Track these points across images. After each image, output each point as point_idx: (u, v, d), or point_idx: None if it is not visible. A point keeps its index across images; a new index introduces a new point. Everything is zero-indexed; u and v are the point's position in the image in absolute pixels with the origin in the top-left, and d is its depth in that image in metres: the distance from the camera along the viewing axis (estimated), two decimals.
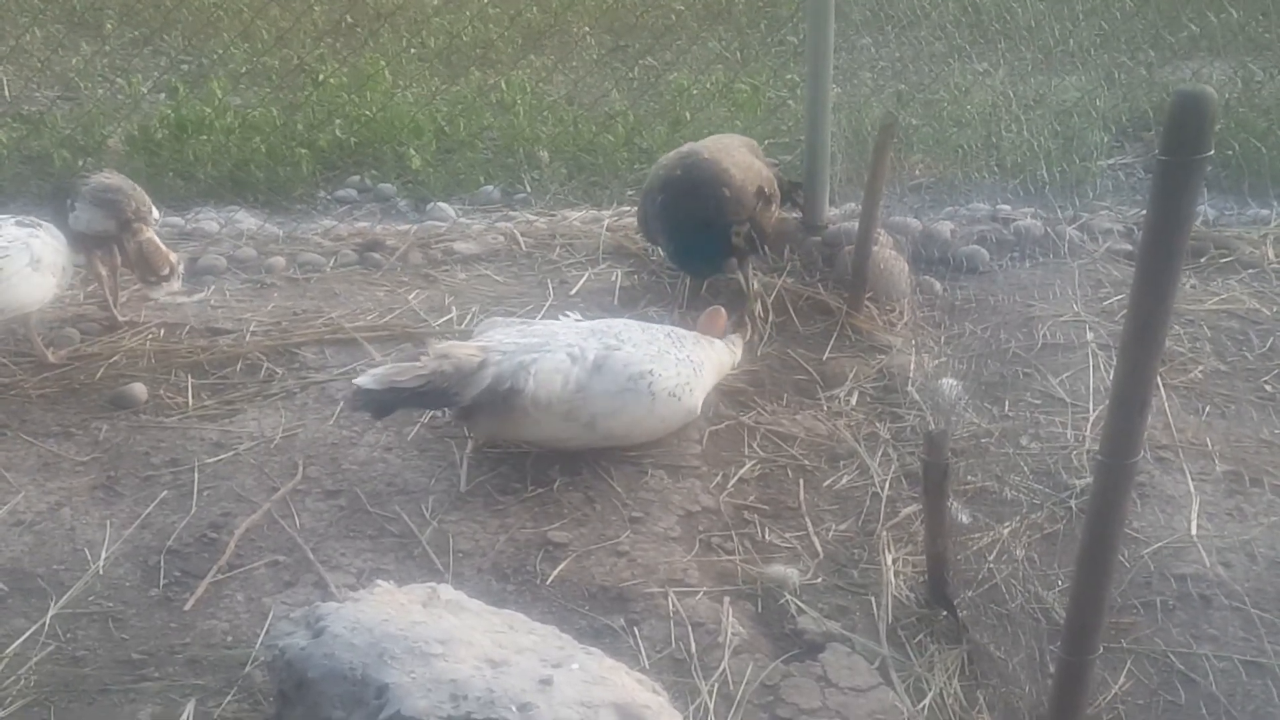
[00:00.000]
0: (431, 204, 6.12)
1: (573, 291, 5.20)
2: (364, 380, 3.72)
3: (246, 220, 5.85)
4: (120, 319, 4.91)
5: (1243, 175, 6.40)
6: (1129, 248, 5.72)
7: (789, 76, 7.44)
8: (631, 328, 4.15)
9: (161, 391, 4.49)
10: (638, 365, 3.97)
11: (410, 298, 5.16)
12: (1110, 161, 6.81)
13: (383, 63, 7.29)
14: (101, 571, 3.61)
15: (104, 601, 3.51)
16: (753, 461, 4.13)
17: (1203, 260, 5.55)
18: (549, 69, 7.72)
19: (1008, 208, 6.06)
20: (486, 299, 5.12)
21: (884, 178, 4.87)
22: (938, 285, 5.37)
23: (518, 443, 4.11)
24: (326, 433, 4.24)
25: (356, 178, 6.46)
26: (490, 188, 6.31)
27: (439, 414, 4.21)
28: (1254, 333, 4.96)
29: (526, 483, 3.98)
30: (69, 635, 3.38)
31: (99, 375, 4.58)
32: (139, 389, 4.45)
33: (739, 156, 4.82)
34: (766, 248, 4.94)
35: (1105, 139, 6.71)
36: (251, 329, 4.89)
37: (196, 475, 4.03)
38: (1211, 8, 8.31)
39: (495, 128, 6.80)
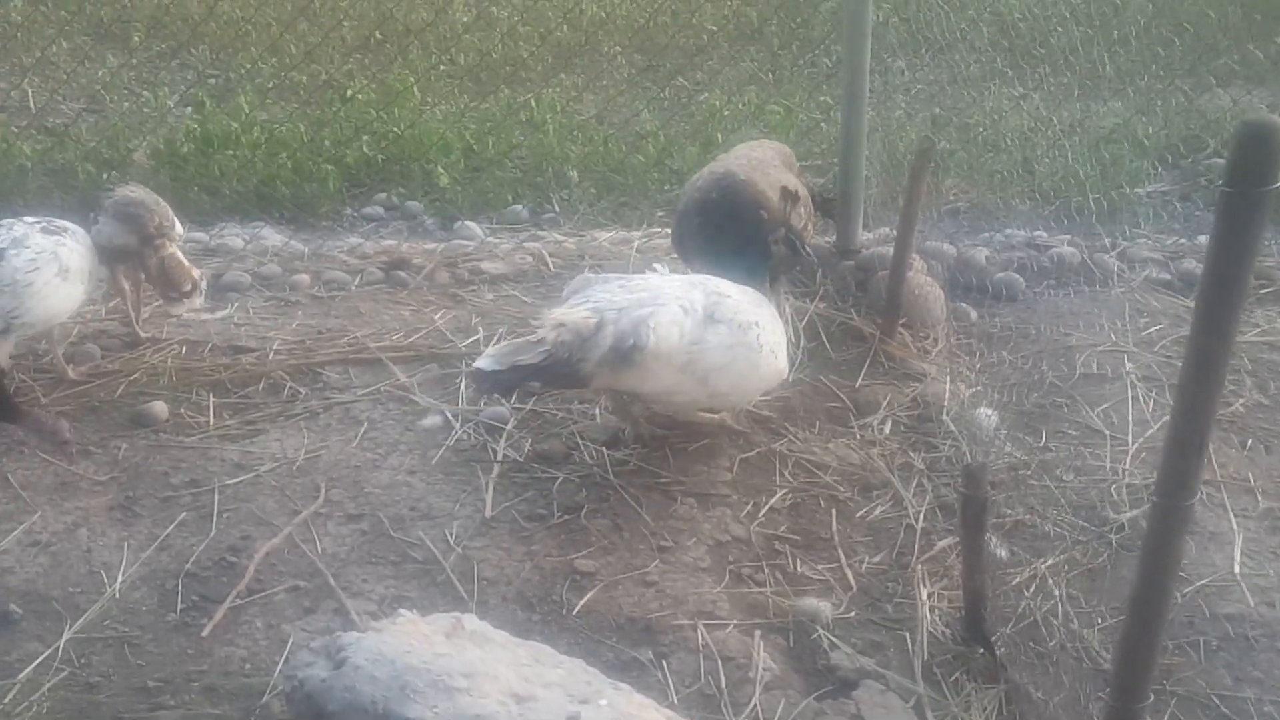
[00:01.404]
0: (459, 222, 6.07)
1: None
2: (484, 362, 3.69)
3: (272, 237, 5.81)
4: (143, 335, 4.88)
5: None
6: (1168, 277, 5.64)
7: (822, 99, 7.38)
8: (723, 281, 4.12)
9: (182, 410, 4.45)
10: (746, 315, 3.97)
11: (436, 318, 5.11)
12: (1149, 190, 6.73)
13: (411, 79, 7.25)
14: (118, 595, 3.56)
15: (120, 626, 3.46)
16: (784, 490, 4.05)
17: None
18: (579, 88, 7.68)
19: (1044, 234, 5.98)
20: (514, 320, 5.07)
21: (920, 203, 4.80)
22: (973, 313, 5.29)
23: (631, 395, 4.11)
24: (349, 455, 4.19)
25: (384, 195, 6.43)
26: (519, 207, 6.27)
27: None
28: None
29: (553, 509, 3.92)
30: (83, 661, 3.33)
31: (119, 393, 4.55)
32: (159, 407, 4.41)
33: (774, 175, 4.75)
34: (808, 249, 4.84)
35: (1147, 166, 6.64)
36: (275, 347, 4.85)
37: (216, 497, 3.98)
38: (1251, 37, 8.25)
39: (524, 146, 6.76)
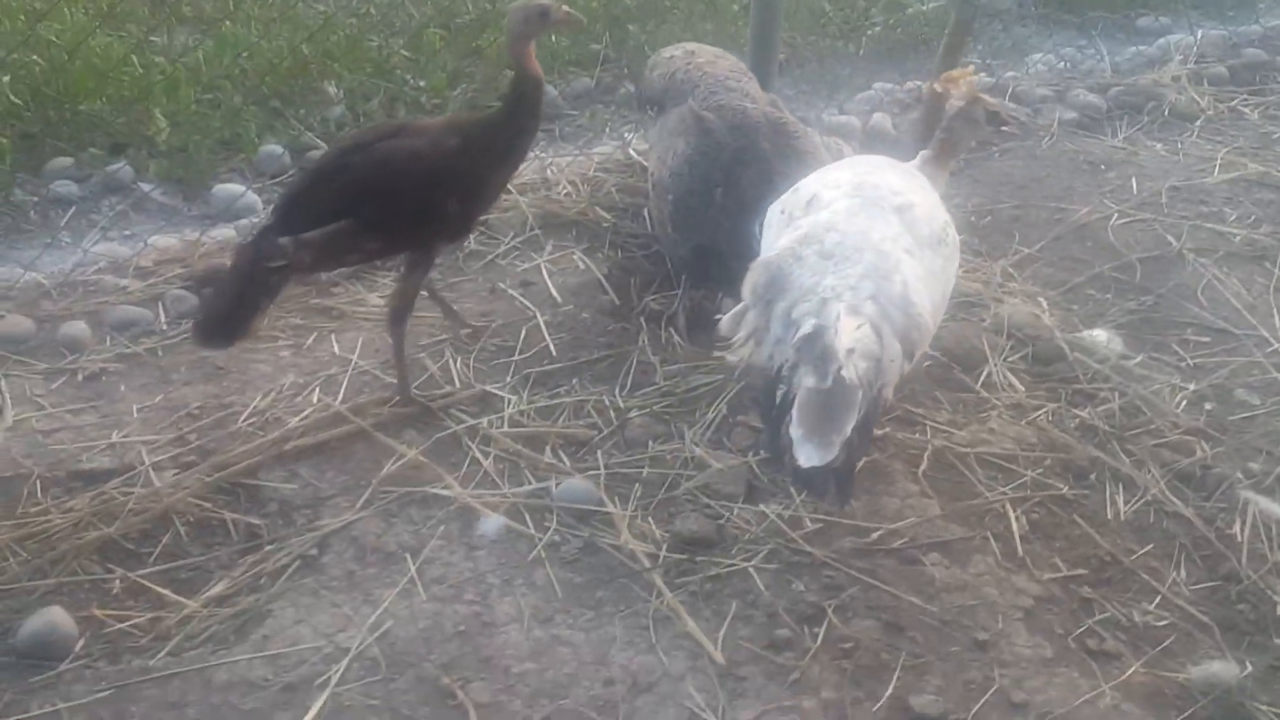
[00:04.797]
0: (213, 187, 4.53)
1: (558, 297, 4.02)
2: (812, 455, 2.67)
3: None
4: None
5: None
6: (1074, 115, 5.40)
7: None
8: (883, 173, 3.25)
9: (94, 609, 2.93)
10: (936, 217, 3.16)
11: (336, 349, 3.76)
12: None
13: None
14: None
15: None
16: (1001, 502, 3.34)
17: None
18: None
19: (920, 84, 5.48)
20: (446, 327, 3.85)
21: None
22: None
23: None
24: (434, 617, 2.93)
25: (67, 161, 4.64)
26: (275, 148, 4.78)
27: None
28: None
29: (790, 624, 2.95)
30: None
31: None
32: (58, 618, 2.87)
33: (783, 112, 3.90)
34: None
35: None
36: (149, 458, 3.33)
37: None
38: None
39: (237, 51, 5.10)
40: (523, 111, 3.33)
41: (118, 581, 3.01)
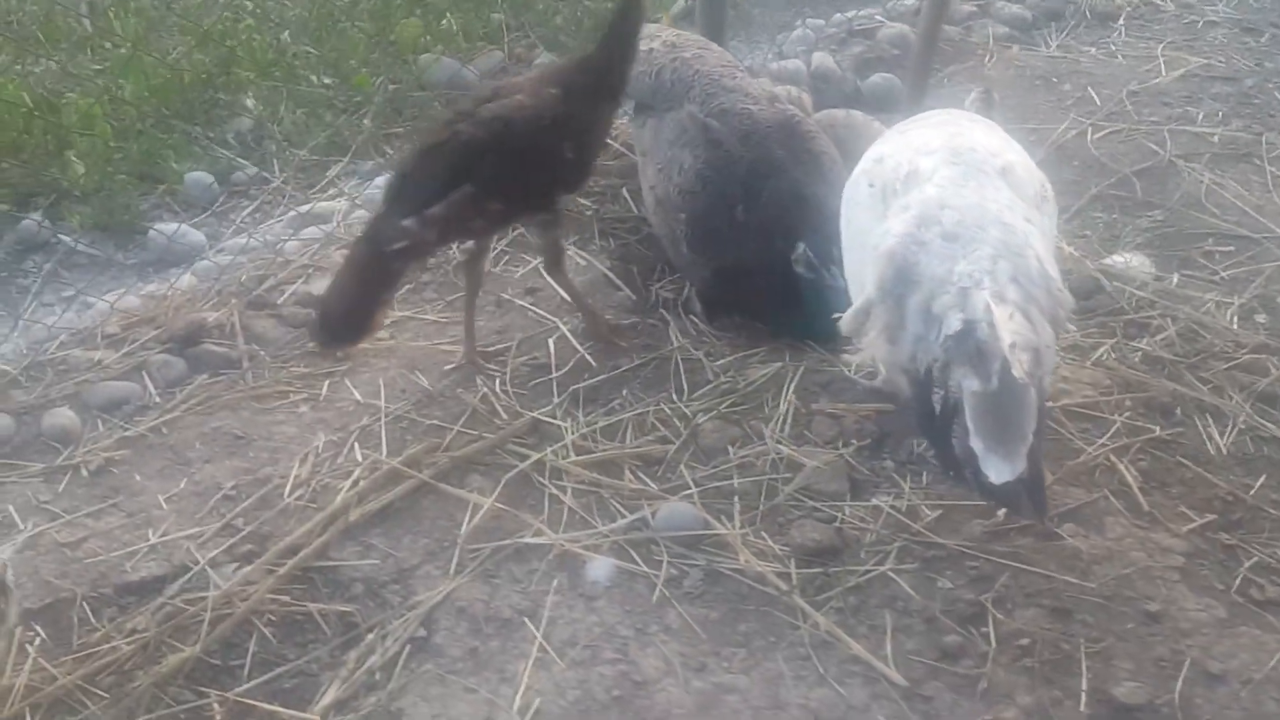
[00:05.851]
0: (151, 229, 4.12)
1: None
2: (1001, 469, 2.50)
3: None
4: None
5: None
6: (1005, 29, 5.32)
7: None
8: (954, 120, 3.12)
9: None
10: (1034, 175, 3.00)
11: (358, 396, 3.44)
12: None
13: None
14: None
15: None
16: (1104, 455, 3.24)
17: None
18: None
19: (842, 15, 5.34)
20: (458, 358, 3.58)
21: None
22: None
23: None
24: (575, 684, 2.70)
25: None
26: (201, 175, 4.37)
27: None
28: None
29: (955, 627, 2.81)
30: None
31: None
32: None
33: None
34: None
35: None
36: (201, 556, 2.98)
37: None
38: None
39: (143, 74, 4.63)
40: (618, 42, 3.32)
41: (216, 705, 2.68)
